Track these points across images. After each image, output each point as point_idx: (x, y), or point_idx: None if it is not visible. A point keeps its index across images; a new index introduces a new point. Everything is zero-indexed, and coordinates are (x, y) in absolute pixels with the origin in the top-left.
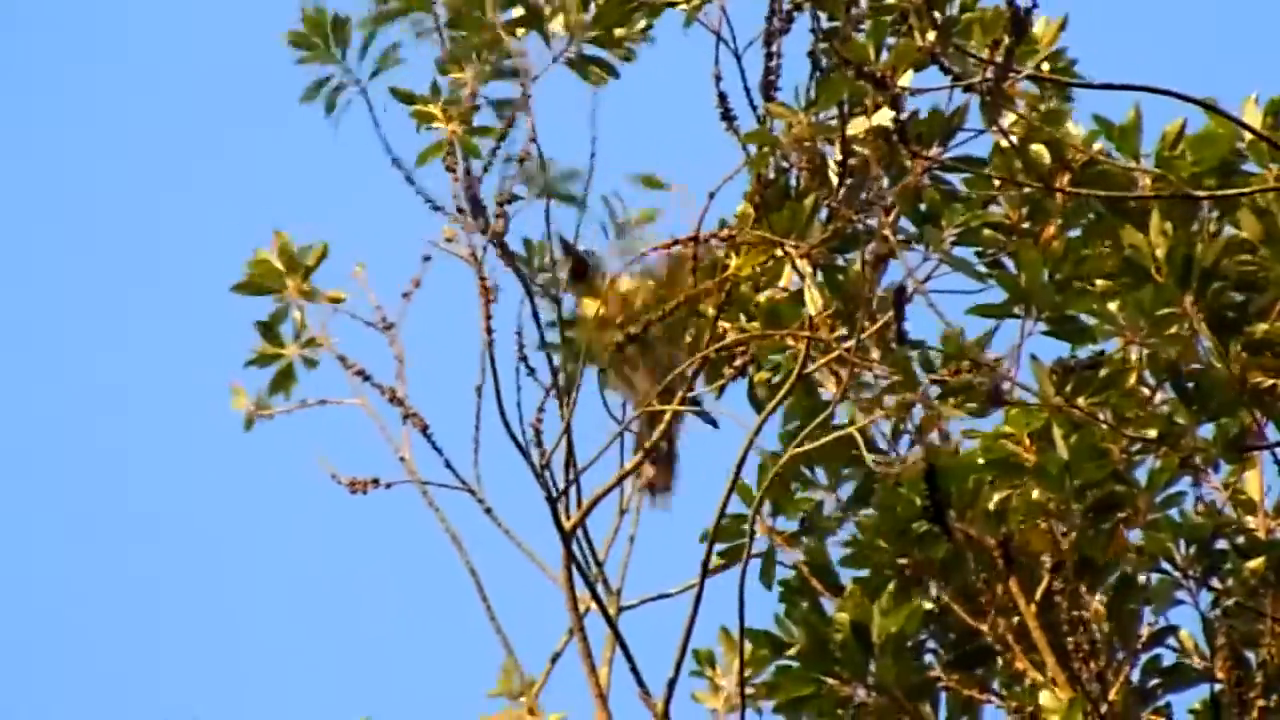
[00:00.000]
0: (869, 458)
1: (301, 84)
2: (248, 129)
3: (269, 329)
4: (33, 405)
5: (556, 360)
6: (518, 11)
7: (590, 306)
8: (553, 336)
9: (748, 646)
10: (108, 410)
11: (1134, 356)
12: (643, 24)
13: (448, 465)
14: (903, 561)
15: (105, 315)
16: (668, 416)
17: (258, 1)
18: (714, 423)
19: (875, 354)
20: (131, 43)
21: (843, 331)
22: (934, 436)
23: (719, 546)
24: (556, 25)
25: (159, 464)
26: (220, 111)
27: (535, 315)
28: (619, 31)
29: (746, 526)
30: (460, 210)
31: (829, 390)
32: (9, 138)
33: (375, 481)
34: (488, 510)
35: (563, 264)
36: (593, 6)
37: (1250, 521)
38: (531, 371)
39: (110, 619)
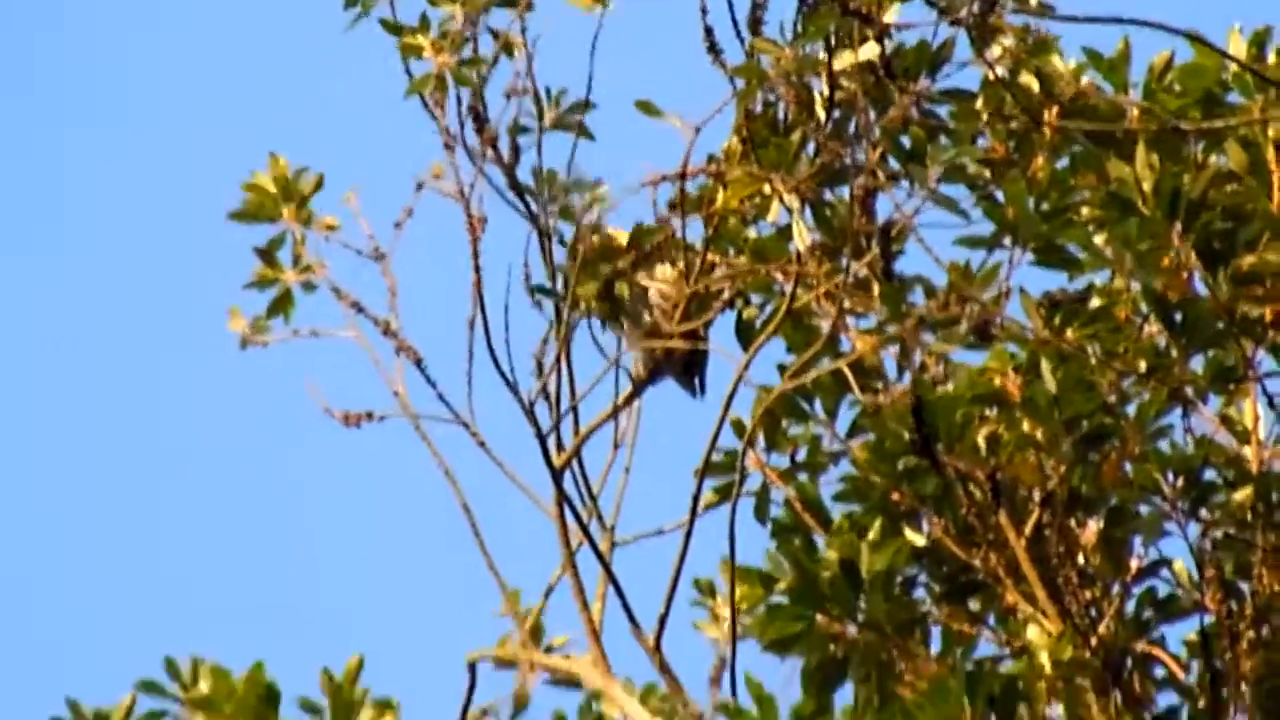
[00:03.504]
0: (857, 391)
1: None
2: (244, 55)
3: (267, 254)
4: (28, 317)
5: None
6: None
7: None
8: (550, 274)
9: (739, 586)
10: (103, 329)
11: (1123, 288)
12: None
13: (441, 398)
14: (894, 497)
15: (100, 233)
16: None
17: None
18: (696, 391)
19: (872, 287)
20: None
21: (831, 266)
22: (935, 370)
23: (712, 482)
24: None
25: (152, 385)
26: (216, 36)
27: (543, 250)
28: None
29: (738, 462)
30: (448, 146)
31: (823, 324)
32: None
33: (369, 415)
34: (481, 444)
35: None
36: None
37: (1245, 452)
38: (538, 304)
39: (98, 542)
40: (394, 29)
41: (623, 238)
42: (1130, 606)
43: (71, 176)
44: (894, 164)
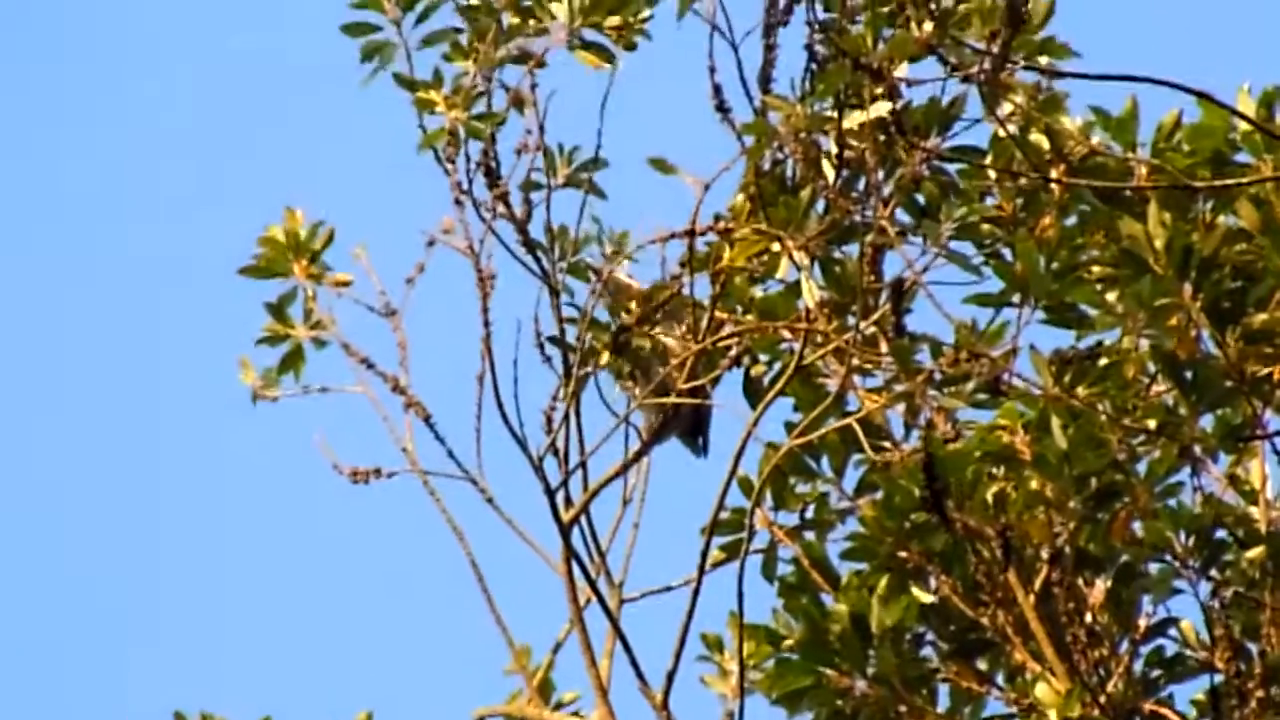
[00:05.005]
0: (868, 448)
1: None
2: (258, 109)
3: (278, 310)
4: (39, 366)
5: (566, 353)
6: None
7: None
8: (561, 331)
9: (747, 642)
10: (115, 383)
11: (1132, 346)
12: (645, 13)
13: (450, 455)
14: (902, 555)
15: (113, 284)
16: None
17: None
18: (699, 450)
19: (881, 345)
20: (141, 18)
21: (840, 323)
22: (944, 428)
23: (720, 539)
24: (559, 10)
25: (162, 439)
26: (231, 90)
27: (554, 306)
28: (615, 19)
29: (746, 520)
30: (459, 201)
31: (831, 382)
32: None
33: (377, 472)
34: (489, 500)
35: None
36: None
37: (1253, 512)
38: (548, 360)
39: (108, 595)
40: (408, 84)
41: (638, 285)
42: (1138, 665)
43: (84, 223)
44: (902, 221)
